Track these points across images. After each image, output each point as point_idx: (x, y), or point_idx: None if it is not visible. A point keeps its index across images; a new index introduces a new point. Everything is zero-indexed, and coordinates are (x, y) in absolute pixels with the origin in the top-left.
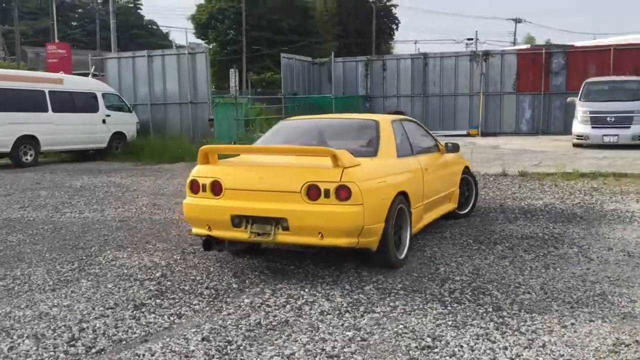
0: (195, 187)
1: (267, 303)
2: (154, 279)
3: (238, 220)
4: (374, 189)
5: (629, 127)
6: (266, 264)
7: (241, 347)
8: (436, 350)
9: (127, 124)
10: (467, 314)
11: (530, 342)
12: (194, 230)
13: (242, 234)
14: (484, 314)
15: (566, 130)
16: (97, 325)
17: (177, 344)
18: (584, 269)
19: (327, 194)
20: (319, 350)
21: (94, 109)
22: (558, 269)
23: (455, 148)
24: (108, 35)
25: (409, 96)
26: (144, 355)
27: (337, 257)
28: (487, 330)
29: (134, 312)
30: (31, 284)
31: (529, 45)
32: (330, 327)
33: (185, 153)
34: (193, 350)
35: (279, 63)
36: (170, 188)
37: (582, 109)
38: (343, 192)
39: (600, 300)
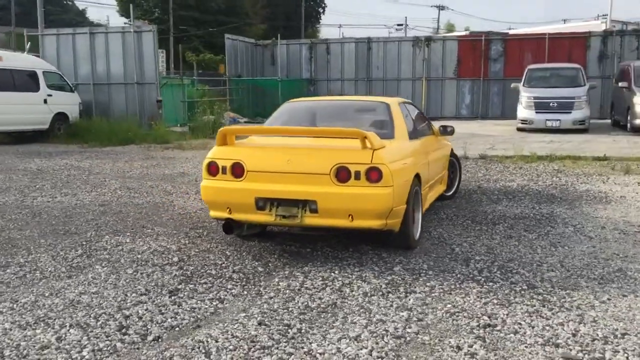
0: (213, 169)
1: (305, 286)
2: (173, 264)
3: (262, 203)
4: (400, 171)
5: (570, 112)
6: (280, 247)
7: (302, 330)
8: (498, 328)
9: (69, 104)
10: (506, 292)
11: (581, 317)
12: (213, 213)
13: (266, 217)
14: (523, 292)
15: (503, 115)
16: (140, 312)
17: (235, 329)
18: (589, 247)
19: (357, 175)
20: (383, 331)
21: (34, 88)
22: (566, 247)
23: (446, 131)
24: (20, 11)
25: (353, 80)
26: (207, 341)
27: (350, 239)
28: (535, 308)
29: (172, 297)
30: (42, 271)
31: (468, 32)
32: (382, 308)
33: (135, 136)
34: (256, 335)
35: (208, 44)
36: (136, 171)
37: (526, 95)
38: (374, 174)
39: (621, 276)
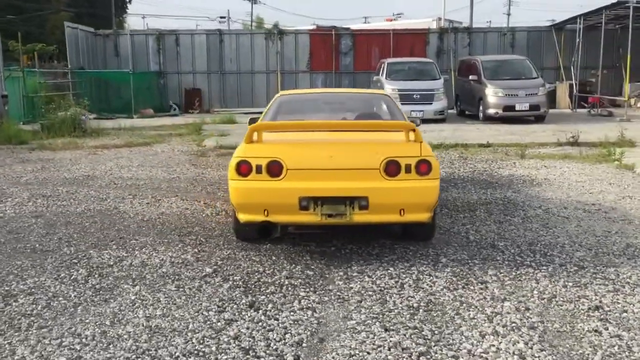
0: (245, 168)
1: (380, 286)
2: (211, 275)
3: (306, 203)
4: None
5: (431, 104)
6: (300, 248)
7: (436, 332)
8: (607, 309)
9: None
10: (565, 274)
11: None
12: (244, 217)
13: (311, 217)
14: (581, 272)
15: None
16: (244, 331)
17: (369, 337)
18: (577, 227)
19: (408, 169)
20: (512, 324)
21: None
22: (558, 228)
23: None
24: None
25: (205, 73)
26: (358, 354)
27: (363, 233)
28: (611, 287)
29: (259, 311)
30: (65, 297)
31: (315, 26)
32: (481, 301)
33: None
34: (399, 341)
35: (7, 33)
36: (27, 176)
37: (390, 87)
38: (424, 167)
39: (636, 251)
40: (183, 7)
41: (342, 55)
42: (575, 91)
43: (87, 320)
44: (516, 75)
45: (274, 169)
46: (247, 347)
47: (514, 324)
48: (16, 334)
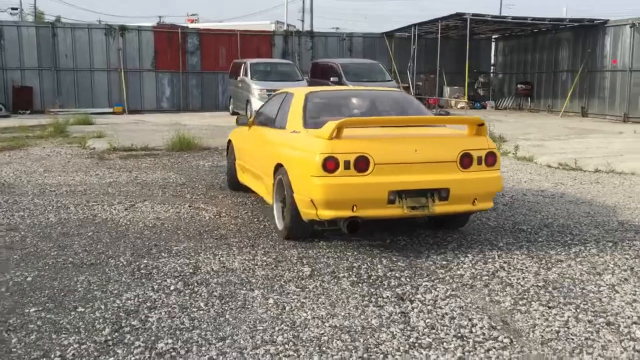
0: (332, 165)
1: (485, 271)
2: (318, 274)
3: (393, 196)
4: None
5: None
6: (356, 243)
7: (594, 302)
8: None
9: None
10: (609, 250)
11: None
12: (330, 213)
13: (396, 211)
14: (619, 247)
15: (203, 107)
16: (432, 322)
17: (547, 316)
18: (555, 210)
19: (479, 161)
20: (635, 291)
21: None
22: (545, 212)
23: None
24: None
25: (37, 69)
26: (565, 328)
27: (397, 224)
28: None
29: (416, 302)
30: (198, 308)
31: (156, 23)
32: (584, 276)
33: None
34: (576, 316)
35: None
36: None
37: (258, 87)
38: (491, 158)
39: (632, 226)
40: None
41: (188, 54)
42: (412, 93)
43: (258, 328)
44: (372, 77)
45: (362, 164)
46: (460, 335)
47: (638, 293)
48: (203, 349)
